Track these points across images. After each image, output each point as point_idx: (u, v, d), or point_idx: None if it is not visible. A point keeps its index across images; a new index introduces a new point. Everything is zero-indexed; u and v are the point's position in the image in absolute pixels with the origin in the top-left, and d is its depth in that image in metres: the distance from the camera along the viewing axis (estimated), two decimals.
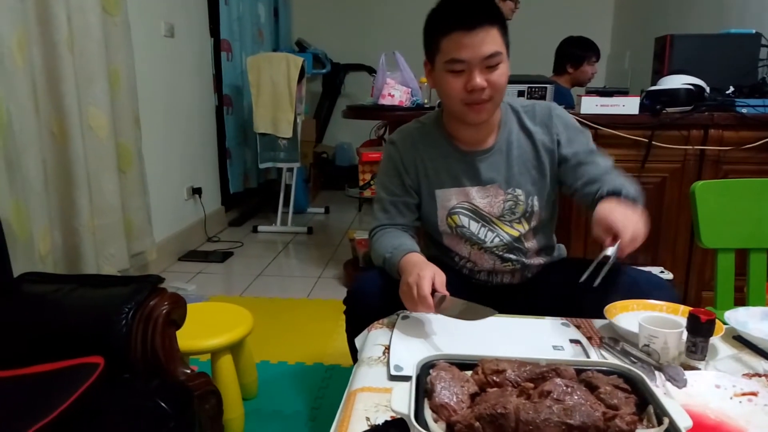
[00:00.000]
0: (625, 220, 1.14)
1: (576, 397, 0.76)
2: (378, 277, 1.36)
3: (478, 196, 1.41)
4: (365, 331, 1.28)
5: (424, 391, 0.82)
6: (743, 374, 1.02)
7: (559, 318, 1.28)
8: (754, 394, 0.93)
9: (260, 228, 4.08)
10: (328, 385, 2.01)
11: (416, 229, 1.50)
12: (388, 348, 1.13)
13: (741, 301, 1.81)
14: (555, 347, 1.13)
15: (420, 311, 1.19)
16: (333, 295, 2.79)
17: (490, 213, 1.42)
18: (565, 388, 0.77)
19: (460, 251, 1.48)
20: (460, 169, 1.41)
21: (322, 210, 4.68)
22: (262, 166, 4.07)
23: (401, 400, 0.80)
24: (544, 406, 0.73)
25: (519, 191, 1.40)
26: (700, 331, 1.00)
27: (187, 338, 1.59)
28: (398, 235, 1.41)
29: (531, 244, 1.45)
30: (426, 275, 1.18)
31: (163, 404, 1.15)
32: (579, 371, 0.87)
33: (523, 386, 0.80)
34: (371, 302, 1.32)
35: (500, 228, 1.43)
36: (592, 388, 0.81)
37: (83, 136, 2.29)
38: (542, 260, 1.49)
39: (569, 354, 1.10)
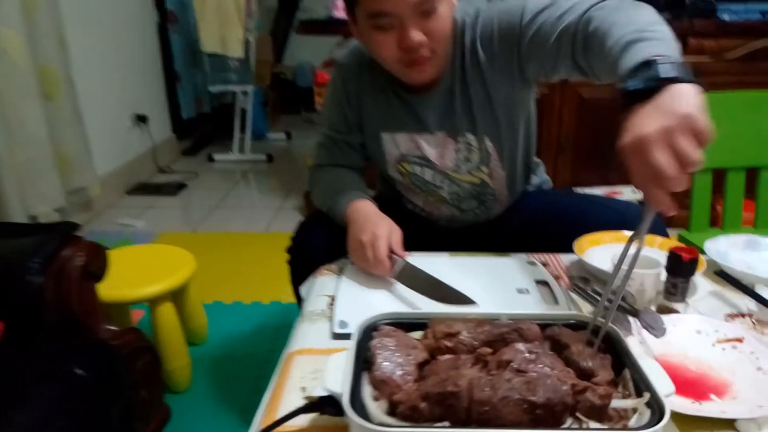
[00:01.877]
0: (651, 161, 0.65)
1: (541, 366, 0.64)
2: (325, 224, 1.20)
3: (427, 146, 1.20)
4: (311, 277, 1.15)
5: (363, 361, 0.69)
6: (726, 314, 0.92)
7: (524, 255, 1.16)
8: (739, 340, 0.83)
9: (216, 157, 3.85)
10: (285, 324, 1.90)
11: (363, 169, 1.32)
12: (334, 300, 1.00)
13: (715, 220, 1.72)
14: (519, 290, 1.01)
15: (374, 273, 1.05)
16: (294, 227, 2.62)
17: (443, 166, 1.22)
18: (527, 354, 0.65)
19: (414, 200, 1.32)
20: (404, 112, 1.19)
21: (283, 135, 4.43)
22: (212, 89, 3.78)
23: (335, 375, 0.66)
24: (502, 381, 0.61)
25: (470, 136, 1.18)
26: (680, 271, 0.89)
27: (122, 287, 1.44)
28: (342, 176, 1.24)
29: (499, 183, 1.26)
30: (381, 234, 1.02)
31: (78, 368, 1.02)
32: (545, 326, 0.74)
33: (479, 352, 0.68)
34: (317, 255, 1.17)
35: (458, 179, 1.24)
36: (560, 347, 0.69)
37: None
38: (516, 195, 1.33)
39: (535, 298, 0.98)
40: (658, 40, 0.78)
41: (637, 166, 0.67)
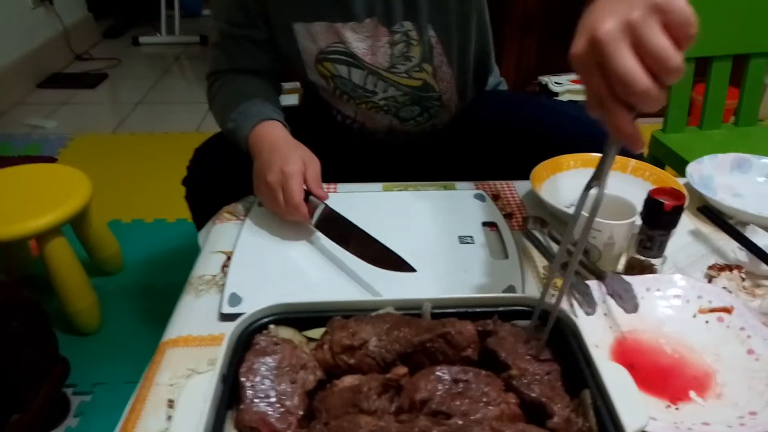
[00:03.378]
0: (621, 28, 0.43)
1: (469, 402, 0.46)
2: (229, 150, 0.96)
3: (353, 38, 0.93)
4: (209, 223, 0.93)
5: (229, 388, 0.50)
6: (709, 267, 0.75)
7: (472, 185, 0.95)
8: (726, 310, 0.66)
9: (142, 39, 3.39)
10: None
11: (277, 74, 1.05)
12: (229, 259, 0.79)
13: (695, 119, 1.53)
14: (462, 239, 0.81)
15: (289, 219, 0.83)
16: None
17: (375, 64, 0.96)
18: (451, 384, 0.47)
19: (344, 109, 1.06)
20: None
21: None
22: None
23: (187, 416, 0.47)
24: None
25: (408, 25, 0.92)
26: (660, 222, 0.70)
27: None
28: (244, 87, 0.97)
29: (446, 85, 1.02)
30: (292, 172, 0.80)
31: None
32: (485, 313, 0.56)
33: (389, 378, 0.49)
34: (217, 192, 0.94)
35: (393, 80, 0.99)
36: (499, 366, 0.51)
37: None
38: (467, 99, 1.08)
39: (479, 251, 0.79)
40: None
41: (594, 80, 0.45)
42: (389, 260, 0.73)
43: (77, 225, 1.41)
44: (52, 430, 1.16)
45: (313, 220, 0.80)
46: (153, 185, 1.96)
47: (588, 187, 0.50)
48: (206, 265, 0.80)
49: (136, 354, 1.32)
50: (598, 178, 0.48)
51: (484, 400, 0.46)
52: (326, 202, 0.81)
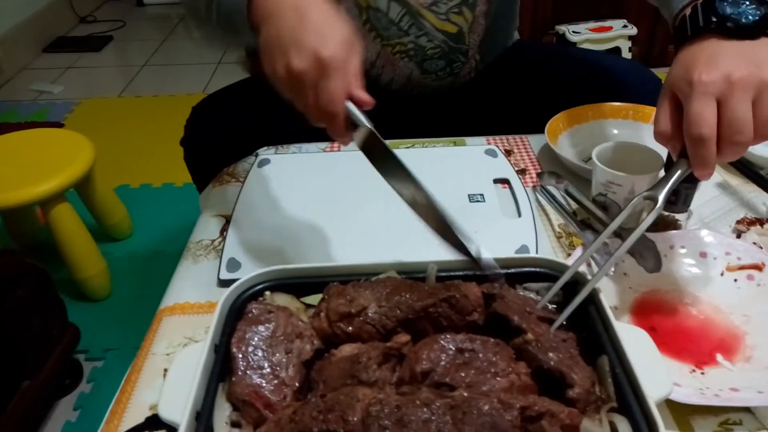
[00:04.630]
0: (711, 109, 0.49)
1: (475, 373, 0.42)
2: (228, 106, 0.90)
3: None
4: (209, 186, 0.90)
5: (223, 357, 0.47)
6: (737, 221, 0.70)
7: (483, 140, 0.90)
8: (757, 267, 0.62)
9: (146, 0, 3.31)
10: None
11: None
12: (228, 223, 0.76)
13: None
14: (472, 197, 0.77)
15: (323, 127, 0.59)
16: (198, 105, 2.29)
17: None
18: (456, 354, 0.43)
19: (366, 51, 0.97)
20: None
21: None
22: None
23: (175, 390, 0.45)
24: (414, 410, 0.40)
25: None
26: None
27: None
28: None
29: (475, 39, 0.95)
30: (336, 60, 0.51)
31: None
32: (489, 277, 0.52)
33: (391, 346, 0.46)
34: (217, 152, 0.90)
35: (430, 23, 0.91)
36: (509, 332, 0.47)
37: None
38: (490, 58, 1.01)
39: (491, 205, 0.75)
40: None
41: (704, 110, 0.48)
42: (452, 235, 0.52)
43: (83, 191, 1.39)
44: (66, 395, 1.17)
45: (355, 138, 0.55)
46: (161, 149, 1.93)
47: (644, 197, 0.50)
48: (205, 230, 0.77)
49: (146, 319, 1.30)
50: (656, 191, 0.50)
51: (492, 370, 0.43)
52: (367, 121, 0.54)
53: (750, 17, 0.50)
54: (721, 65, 0.48)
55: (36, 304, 1.04)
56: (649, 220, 0.49)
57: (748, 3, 0.51)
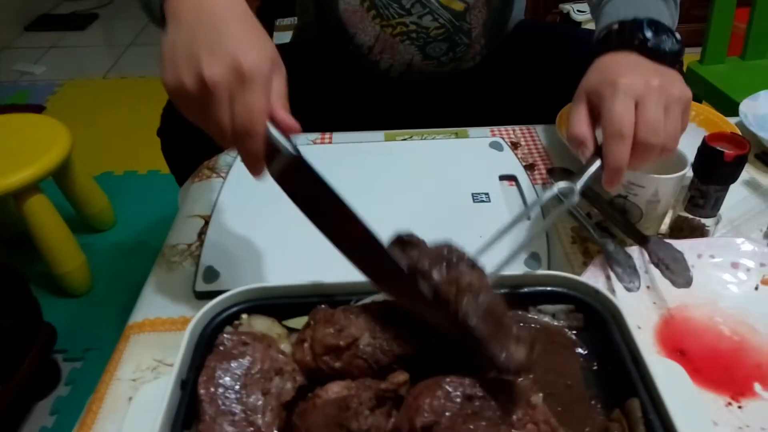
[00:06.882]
0: (624, 115, 0.50)
1: (485, 426, 0.36)
2: None
3: None
4: (188, 182, 0.82)
5: (190, 396, 0.40)
6: None
7: (487, 131, 0.83)
8: None
9: None
10: None
11: None
12: (207, 225, 0.69)
13: (735, 49, 1.36)
14: (476, 197, 0.70)
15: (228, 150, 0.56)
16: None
17: None
18: (463, 401, 0.37)
19: (363, 34, 0.89)
20: None
21: None
22: None
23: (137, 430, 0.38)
24: None
25: None
26: (717, 175, 0.57)
27: None
28: None
29: (479, 18, 0.87)
30: (258, 70, 0.43)
31: None
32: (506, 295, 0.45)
33: (385, 388, 0.39)
34: (196, 142, 0.82)
35: (437, 2, 0.84)
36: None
37: None
38: (495, 41, 0.94)
39: (497, 205, 0.68)
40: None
41: (626, 109, 0.50)
42: (375, 260, 0.44)
43: (61, 180, 1.31)
44: (42, 399, 1.10)
45: (272, 168, 0.45)
46: (146, 133, 1.83)
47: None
48: (180, 233, 0.70)
49: (128, 317, 1.24)
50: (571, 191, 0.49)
51: (507, 421, 0.36)
52: (294, 143, 0.44)
53: (668, 47, 0.56)
54: (642, 73, 0.52)
55: (6, 303, 0.97)
56: (561, 209, 0.50)
57: (667, 36, 0.56)
